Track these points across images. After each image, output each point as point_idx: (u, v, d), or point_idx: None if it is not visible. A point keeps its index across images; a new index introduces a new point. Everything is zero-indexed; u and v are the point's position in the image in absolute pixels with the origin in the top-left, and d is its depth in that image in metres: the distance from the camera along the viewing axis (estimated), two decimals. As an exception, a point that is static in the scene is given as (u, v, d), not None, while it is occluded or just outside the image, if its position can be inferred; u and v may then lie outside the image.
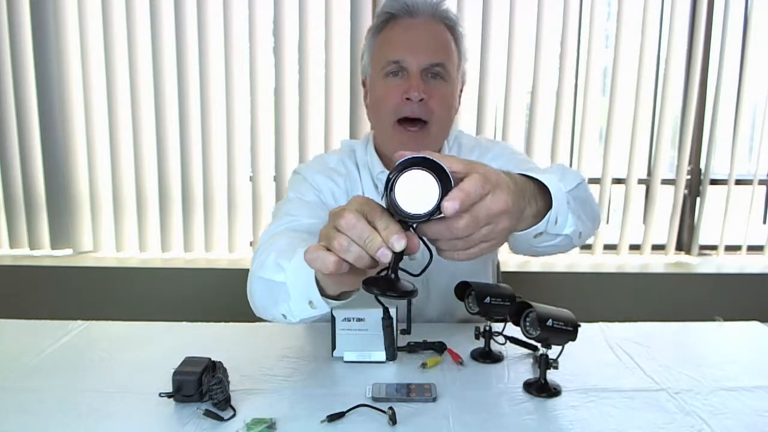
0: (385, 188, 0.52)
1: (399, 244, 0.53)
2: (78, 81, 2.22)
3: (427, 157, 0.52)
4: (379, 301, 0.59)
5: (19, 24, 2.19)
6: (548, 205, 0.75)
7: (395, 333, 0.92)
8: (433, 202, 0.51)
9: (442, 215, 0.52)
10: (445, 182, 0.51)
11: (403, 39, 1.06)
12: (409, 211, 0.52)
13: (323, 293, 0.73)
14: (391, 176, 0.52)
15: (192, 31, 2.19)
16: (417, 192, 0.51)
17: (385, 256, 0.53)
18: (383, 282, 0.56)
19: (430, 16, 1.07)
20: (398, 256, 0.55)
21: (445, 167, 0.51)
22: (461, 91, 1.14)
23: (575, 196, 0.84)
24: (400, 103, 1.04)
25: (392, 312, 0.92)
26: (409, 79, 1.03)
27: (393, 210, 0.53)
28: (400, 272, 0.57)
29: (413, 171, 0.51)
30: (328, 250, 0.56)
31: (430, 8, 1.07)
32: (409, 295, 0.56)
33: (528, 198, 0.69)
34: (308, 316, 0.78)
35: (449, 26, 1.09)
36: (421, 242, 0.57)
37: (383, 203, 0.56)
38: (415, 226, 0.55)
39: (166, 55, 2.20)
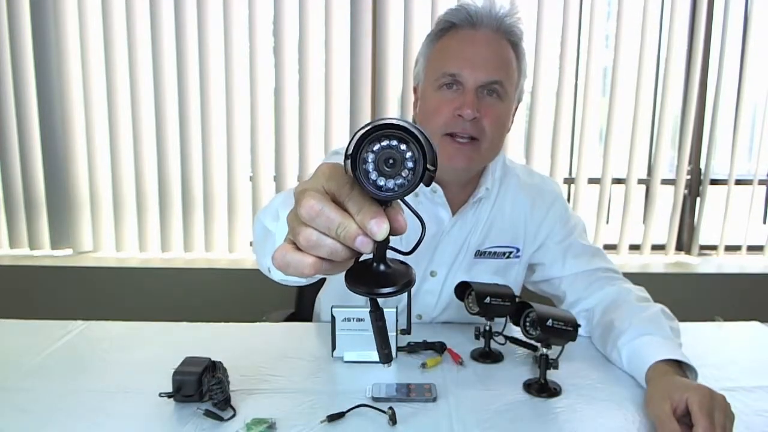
0: (352, 160, 0.41)
1: (380, 231, 0.40)
2: (78, 81, 2.22)
3: (398, 122, 0.40)
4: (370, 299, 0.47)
5: (19, 24, 2.19)
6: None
7: (395, 332, 0.93)
8: (411, 173, 0.41)
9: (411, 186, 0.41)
10: (423, 148, 0.40)
11: (462, 52, 1.02)
12: (384, 184, 0.41)
13: None
14: (357, 145, 0.40)
15: (192, 31, 2.19)
16: (391, 161, 0.40)
17: (365, 246, 0.41)
18: (370, 277, 0.44)
19: (494, 30, 1.02)
20: (382, 245, 0.43)
21: (417, 132, 0.40)
22: (516, 109, 1.11)
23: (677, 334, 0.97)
24: (451, 119, 1.00)
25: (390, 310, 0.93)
26: (464, 94, 1.00)
27: (363, 182, 0.41)
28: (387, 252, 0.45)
29: (384, 139, 0.40)
30: (304, 254, 0.44)
31: (494, 21, 1.02)
32: (405, 288, 0.44)
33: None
34: (287, 278, 0.73)
35: (512, 42, 1.04)
36: (409, 213, 0.44)
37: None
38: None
39: (166, 55, 2.20)
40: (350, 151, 0.40)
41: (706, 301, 2.22)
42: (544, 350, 0.85)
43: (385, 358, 0.50)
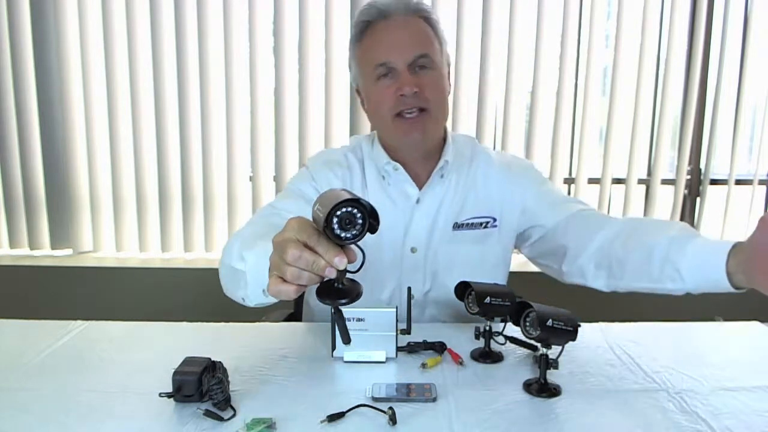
0: (325, 222, 0.63)
1: (342, 263, 0.64)
2: (78, 81, 2.22)
3: (354, 197, 0.63)
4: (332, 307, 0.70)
5: (19, 24, 2.19)
6: None
7: (395, 332, 0.94)
8: (361, 228, 0.64)
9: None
10: (369, 211, 0.64)
11: (384, 41, 1.11)
12: (344, 235, 0.64)
13: None
14: (329, 212, 0.63)
15: (192, 31, 2.19)
16: (349, 221, 0.63)
17: (332, 273, 0.64)
18: (334, 292, 0.67)
19: (404, 13, 1.12)
20: (342, 270, 0.65)
21: (363, 201, 0.63)
22: (449, 72, 1.20)
23: None
24: (395, 101, 1.09)
25: (391, 312, 0.94)
26: (399, 76, 1.09)
27: (330, 235, 0.64)
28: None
29: (344, 207, 0.63)
30: (284, 279, 0.67)
31: (402, 6, 1.12)
32: (357, 298, 0.67)
33: None
34: (262, 302, 0.88)
35: (424, 17, 1.14)
36: (356, 247, 0.67)
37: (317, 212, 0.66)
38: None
39: (166, 55, 2.21)
40: (326, 220, 0.62)
41: (706, 301, 2.21)
42: (544, 350, 0.85)
43: (347, 340, 0.70)
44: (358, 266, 0.69)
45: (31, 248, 2.34)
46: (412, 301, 1.16)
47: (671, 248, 0.91)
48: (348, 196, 0.63)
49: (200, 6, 2.17)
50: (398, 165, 1.17)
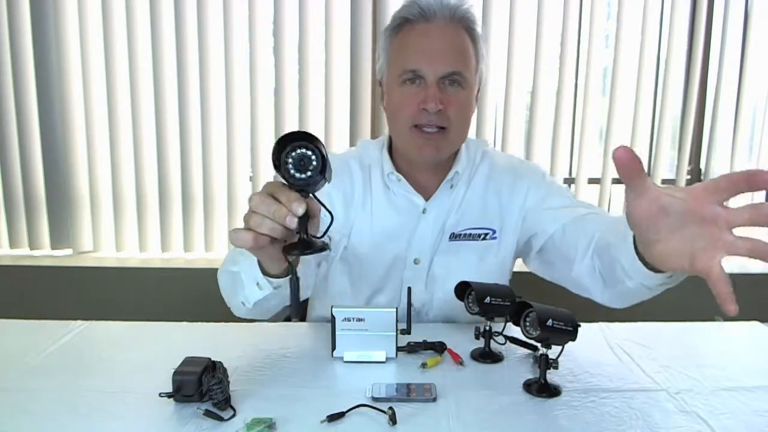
0: (275, 165, 0.64)
1: (301, 208, 0.65)
2: (78, 81, 2.22)
3: (303, 131, 0.65)
4: (288, 262, 0.73)
5: (19, 24, 2.19)
6: None
7: (395, 332, 0.94)
8: (315, 167, 0.64)
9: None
10: (321, 149, 0.64)
11: (420, 47, 1.04)
12: (298, 176, 0.64)
13: (267, 273, 0.86)
14: (279, 154, 0.64)
15: (192, 31, 2.19)
16: (302, 162, 0.64)
17: (292, 221, 0.66)
18: (299, 243, 0.69)
19: (448, 20, 1.04)
20: (303, 221, 0.67)
21: (316, 138, 0.64)
22: (478, 91, 1.15)
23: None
24: (417, 112, 1.04)
25: (390, 311, 0.94)
26: (426, 88, 1.03)
27: (288, 181, 0.65)
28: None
29: (296, 147, 0.64)
30: (249, 230, 0.69)
31: (447, 11, 1.04)
32: (322, 249, 0.69)
33: None
34: (259, 297, 0.91)
35: (467, 28, 1.07)
36: (322, 207, 0.70)
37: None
38: (312, 193, 0.69)
39: (166, 55, 2.20)
40: (274, 159, 0.64)
41: (706, 301, 2.20)
42: (544, 350, 0.85)
43: (296, 313, 0.74)
44: (324, 230, 0.72)
45: (31, 248, 2.34)
46: (419, 322, 1.15)
47: (620, 247, 0.86)
48: (300, 132, 0.64)
49: (200, 6, 2.17)
50: (401, 176, 1.14)
